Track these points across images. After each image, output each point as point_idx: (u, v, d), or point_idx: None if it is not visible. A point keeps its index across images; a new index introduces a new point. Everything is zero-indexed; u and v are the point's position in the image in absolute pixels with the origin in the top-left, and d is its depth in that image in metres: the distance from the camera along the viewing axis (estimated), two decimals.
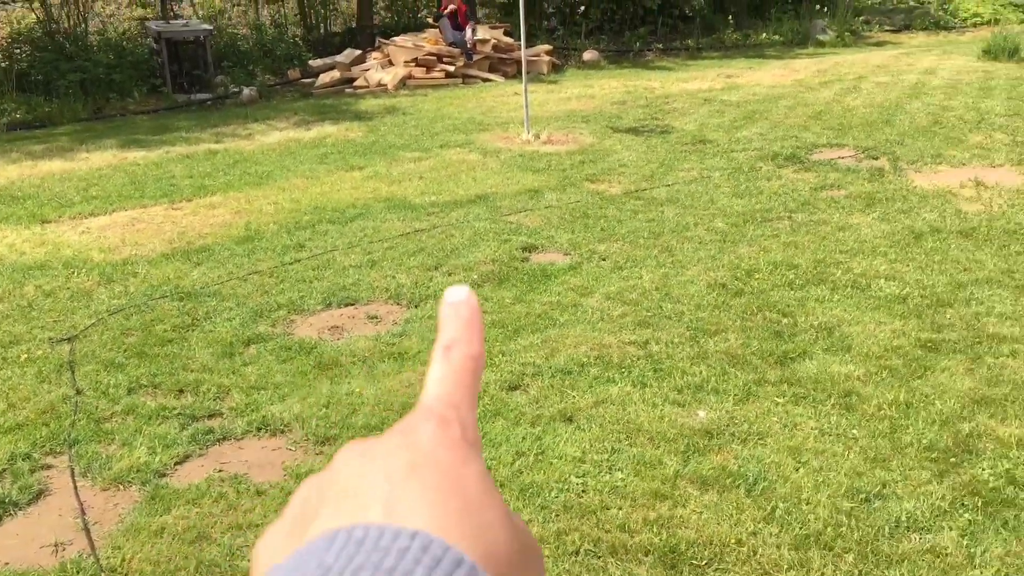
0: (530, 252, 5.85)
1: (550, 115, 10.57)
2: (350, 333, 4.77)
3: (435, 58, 13.84)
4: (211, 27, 14.23)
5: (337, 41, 15.99)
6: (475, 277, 5.40)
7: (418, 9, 17.14)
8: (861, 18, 18.63)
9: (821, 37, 17.01)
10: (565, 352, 4.29)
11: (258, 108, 12.13)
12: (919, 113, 9.62)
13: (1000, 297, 4.70)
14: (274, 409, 3.91)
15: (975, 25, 18.80)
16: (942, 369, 3.94)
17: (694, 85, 12.51)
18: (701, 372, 4.01)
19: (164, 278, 5.59)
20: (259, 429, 3.78)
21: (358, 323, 4.91)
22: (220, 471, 3.50)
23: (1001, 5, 19.76)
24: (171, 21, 14.27)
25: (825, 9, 18.45)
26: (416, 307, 5.05)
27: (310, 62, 14.79)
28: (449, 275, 5.48)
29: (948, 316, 4.50)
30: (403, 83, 13.36)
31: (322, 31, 16.33)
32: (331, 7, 16.62)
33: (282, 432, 3.76)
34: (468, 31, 13.94)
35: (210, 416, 3.91)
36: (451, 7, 14.14)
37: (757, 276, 5.20)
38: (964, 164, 7.57)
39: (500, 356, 4.30)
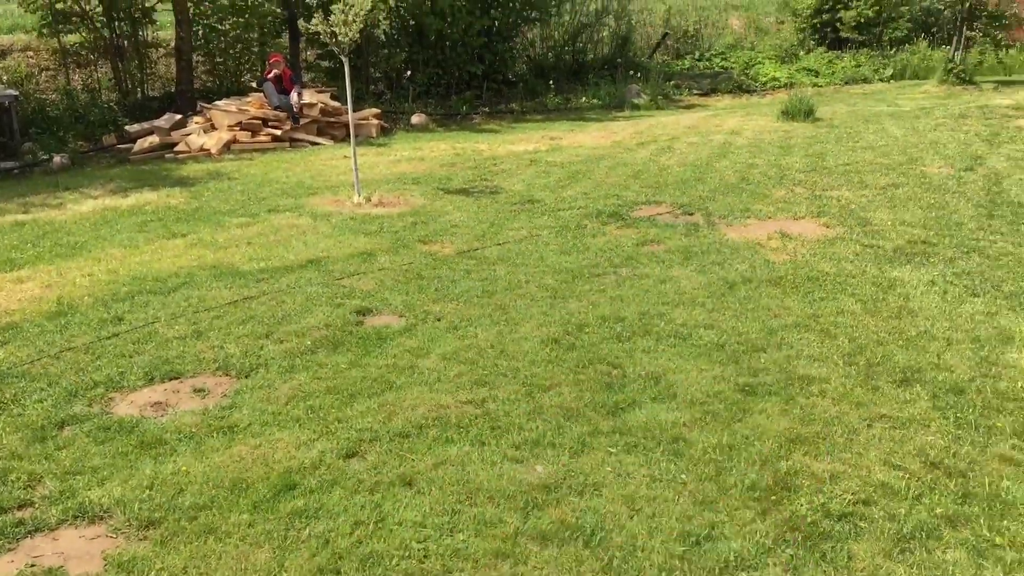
0: (364, 316, 5.80)
1: (380, 178, 10.60)
2: (175, 408, 4.56)
3: (260, 122, 13.64)
4: (16, 92, 13.49)
5: (156, 106, 15.48)
6: (308, 343, 5.30)
7: (240, 73, 16.87)
8: (672, 83, 19.79)
9: (636, 101, 17.94)
10: (402, 415, 4.26)
11: (71, 176, 11.53)
12: (727, 171, 10.27)
13: (807, 340, 5.04)
14: (92, 494, 3.66)
15: (773, 88, 20.35)
16: (759, 411, 4.17)
17: (520, 147, 12.88)
18: (537, 427, 4.08)
19: None
20: (76, 517, 3.53)
21: (184, 397, 4.70)
22: (32, 566, 3.24)
23: (796, 70, 21.52)
24: None
25: (639, 75, 19.51)
26: (247, 377, 4.89)
27: (127, 127, 14.23)
28: (281, 343, 5.35)
29: (763, 360, 4.79)
30: (227, 148, 13.06)
31: (139, 95, 15.78)
32: (148, 71, 16.11)
33: (102, 518, 3.52)
34: (294, 95, 13.84)
35: (20, 506, 3.62)
36: (275, 71, 14.02)
37: (587, 330, 5.36)
38: (770, 217, 8.12)
39: (336, 423, 4.22)
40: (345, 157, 12.44)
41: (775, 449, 3.79)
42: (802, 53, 23.51)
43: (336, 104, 14.95)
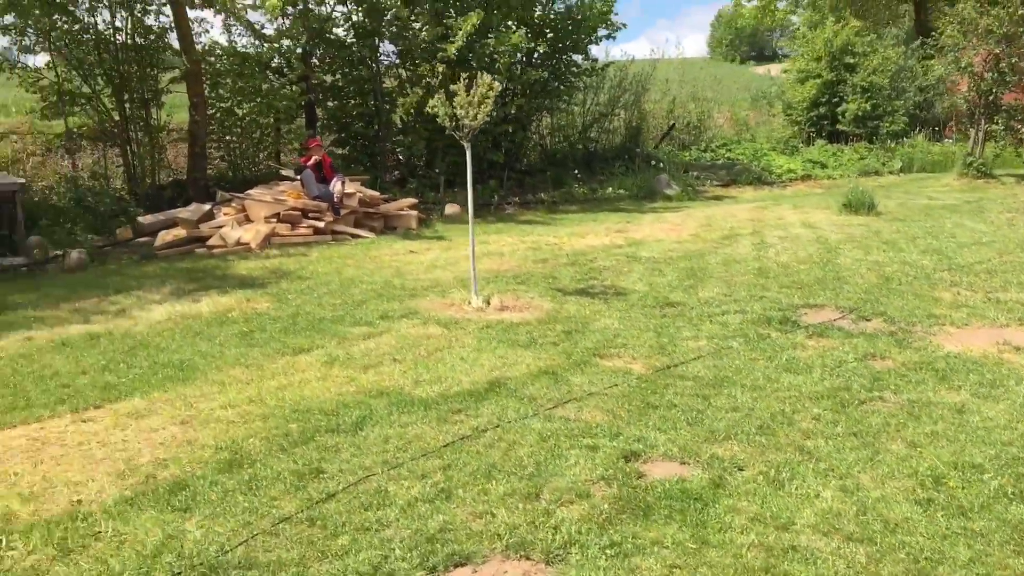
0: (634, 462, 4.57)
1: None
2: None
3: (299, 213, 12.37)
4: (22, 180, 11.99)
5: (168, 195, 14.10)
6: (605, 507, 4.04)
7: (259, 160, 15.61)
8: (693, 174, 19.23)
9: (668, 192, 17.24)
10: None
11: (94, 275, 10.09)
12: (859, 268, 9.41)
13: None
14: None
15: (791, 180, 19.96)
16: None
17: (592, 240, 11.88)
18: None
19: (153, 541, 3.76)
20: None
21: None
22: None
23: (805, 162, 21.24)
24: None
25: (661, 164, 18.90)
26: (561, 562, 3.60)
27: (139, 219, 12.82)
28: (564, 505, 4.08)
29: None
30: (267, 241, 11.74)
31: (148, 184, 14.35)
32: (158, 157, 14.72)
33: None
34: (337, 183, 12.65)
35: None
36: (315, 158, 12.86)
37: (950, 483, 4.24)
38: (966, 324, 7.21)
39: None
40: (410, 251, 11.27)
41: None
42: (801, 145, 23.39)
43: (373, 193, 13.84)
